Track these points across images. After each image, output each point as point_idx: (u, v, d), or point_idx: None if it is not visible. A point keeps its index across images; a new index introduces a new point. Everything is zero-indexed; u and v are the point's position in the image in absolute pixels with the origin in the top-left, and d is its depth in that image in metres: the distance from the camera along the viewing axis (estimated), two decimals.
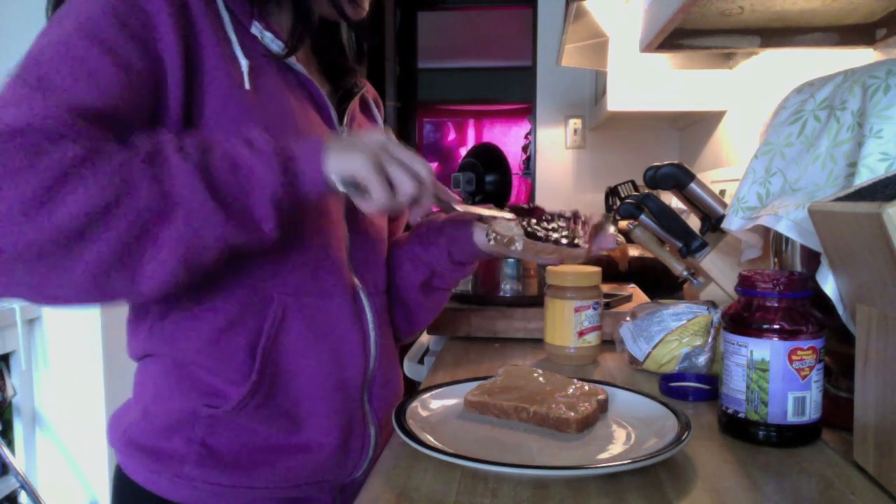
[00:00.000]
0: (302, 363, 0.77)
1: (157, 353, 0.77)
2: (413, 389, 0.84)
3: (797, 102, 0.83)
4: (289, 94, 0.78)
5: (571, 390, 0.78)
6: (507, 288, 1.23)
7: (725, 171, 1.67)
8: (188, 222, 0.60)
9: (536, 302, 1.17)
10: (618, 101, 1.94)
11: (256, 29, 0.76)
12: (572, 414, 0.71)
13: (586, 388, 0.79)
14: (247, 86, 0.72)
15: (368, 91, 0.98)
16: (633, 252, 1.59)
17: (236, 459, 0.75)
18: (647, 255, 1.51)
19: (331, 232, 0.80)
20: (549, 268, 1.05)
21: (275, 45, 0.77)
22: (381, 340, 0.85)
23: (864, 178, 0.68)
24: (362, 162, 0.65)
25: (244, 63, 0.73)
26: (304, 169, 0.65)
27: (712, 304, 1.00)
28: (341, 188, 0.66)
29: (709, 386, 0.87)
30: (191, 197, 0.60)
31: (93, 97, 0.60)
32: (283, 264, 0.76)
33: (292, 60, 0.79)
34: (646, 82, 1.90)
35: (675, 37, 1.07)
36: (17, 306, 2.03)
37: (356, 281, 0.84)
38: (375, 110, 0.98)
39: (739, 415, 0.72)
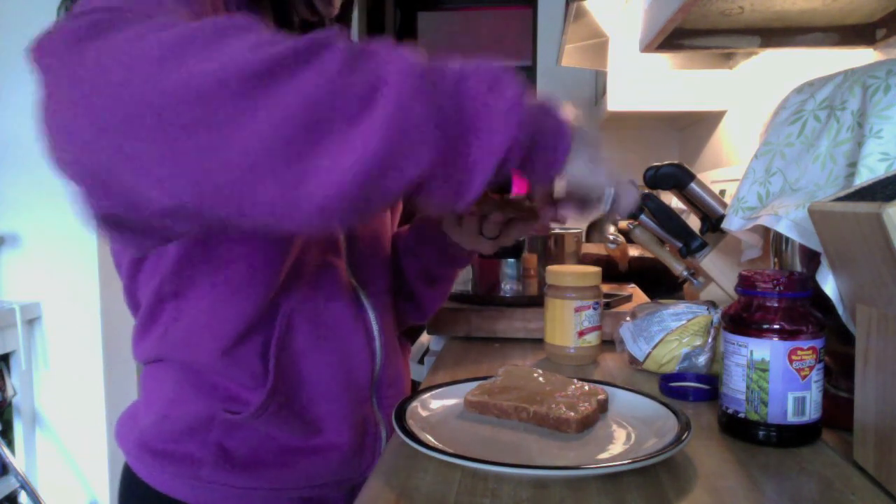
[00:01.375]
0: (312, 367, 0.78)
1: (171, 358, 0.77)
2: (413, 389, 0.84)
3: (797, 102, 0.83)
4: None
5: (571, 390, 0.78)
6: (507, 288, 1.23)
7: (725, 171, 1.67)
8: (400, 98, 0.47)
9: (536, 302, 1.17)
10: (618, 101, 1.94)
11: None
12: (572, 414, 0.71)
13: (586, 388, 0.79)
14: None
15: None
16: (633, 252, 1.59)
17: (253, 461, 0.76)
18: (647, 255, 1.51)
19: (327, 236, 0.81)
20: (549, 268, 1.05)
21: None
22: (385, 340, 0.85)
23: (864, 178, 0.68)
24: (603, 180, 0.60)
25: None
26: (542, 154, 0.56)
27: (712, 304, 1.00)
28: (560, 192, 0.58)
29: (709, 386, 0.87)
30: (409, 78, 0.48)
31: None
32: (285, 271, 0.76)
33: None
34: (646, 82, 1.90)
35: (675, 37, 1.07)
36: (16, 306, 2.03)
37: (355, 283, 0.84)
38: None
39: (739, 415, 0.72)
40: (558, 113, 0.58)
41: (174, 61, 0.41)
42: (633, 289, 1.46)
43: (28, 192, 2.15)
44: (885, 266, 0.57)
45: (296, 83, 0.43)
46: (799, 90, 0.84)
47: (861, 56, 1.08)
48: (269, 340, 0.75)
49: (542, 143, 0.56)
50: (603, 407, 0.77)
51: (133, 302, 0.79)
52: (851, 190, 0.65)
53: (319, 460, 0.79)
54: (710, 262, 1.11)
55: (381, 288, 0.89)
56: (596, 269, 1.04)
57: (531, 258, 1.21)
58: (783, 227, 0.76)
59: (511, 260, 1.21)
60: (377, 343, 0.84)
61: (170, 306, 0.75)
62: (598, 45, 2.05)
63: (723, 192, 1.49)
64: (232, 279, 0.73)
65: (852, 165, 0.73)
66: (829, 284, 0.69)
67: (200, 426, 0.75)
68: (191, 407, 0.76)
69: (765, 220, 0.79)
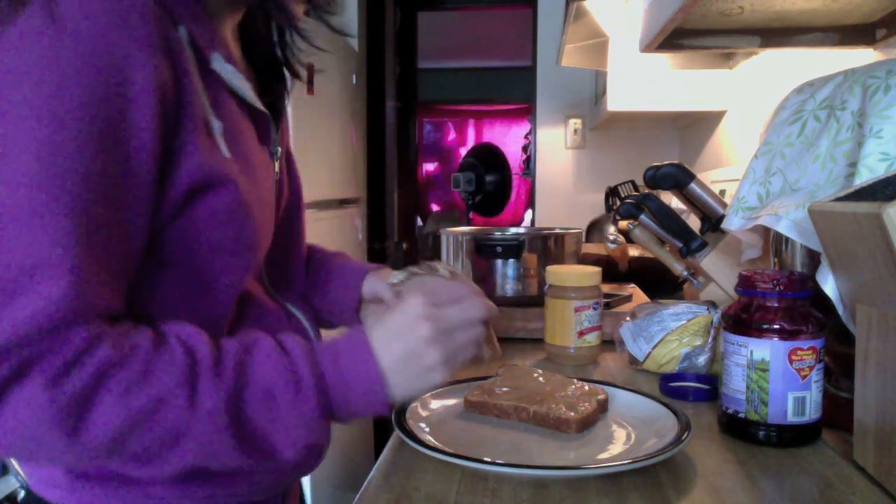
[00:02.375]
0: None
1: None
2: None
3: (797, 102, 0.83)
4: (240, 126, 0.67)
5: (571, 390, 0.78)
6: (507, 288, 1.23)
7: (725, 171, 1.67)
8: (202, 452, 0.55)
9: (536, 302, 1.17)
10: (618, 101, 1.94)
11: (217, 63, 0.64)
12: (572, 414, 0.71)
13: (586, 388, 0.79)
14: (225, 153, 0.62)
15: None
16: (633, 252, 1.59)
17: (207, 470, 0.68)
18: (647, 255, 1.51)
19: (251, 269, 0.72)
20: (549, 268, 1.05)
21: (236, 80, 0.65)
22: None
23: (864, 177, 0.68)
24: (438, 377, 0.61)
25: (217, 127, 0.62)
26: (358, 411, 0.59)
27: (712, 304, 1.00)
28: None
29: (709, 386, 0.87)
30: (212, 434, 0.54)
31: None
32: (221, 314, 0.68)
33: (251, 94, 0.68)
34: (646, 82, 1.90)
35: (675, 37, 1.07)
36: None
37: (279, 298, 0.77)
38: (289, 119, 0.88)
39: (739, 415, 0.72)
40: (357, 373, 0.59)
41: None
42: (633, 289, 1.46)
43: None
44: (885, 266, 0.57)
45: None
46: (799, 90, 0.84)
47: (861, 56, 1.08)
48: None
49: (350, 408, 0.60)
50: (603, 407, 0.77)
51: None
52: (851, 190, 0.65)
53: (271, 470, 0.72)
54: (710, 262, 1.11)
55: (301, 292, 0.84)
56: (596, 270, 1.04)
57: (531, 258, 1.21)
58: (783, 227, 0.76)
59: (511, 260, 1.21)
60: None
61: None
62: (598, 45, 2.05)
63: (723, 192, 1.49)
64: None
65: (852, 165, 0.73)
66: (829, 284, 0.69)
67: None
68: None
69: (765, 220, 0.79)
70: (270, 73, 0.79)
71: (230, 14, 0.70)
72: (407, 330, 0.61)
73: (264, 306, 0.73)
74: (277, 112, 0.77)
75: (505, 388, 0.78)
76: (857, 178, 0.69)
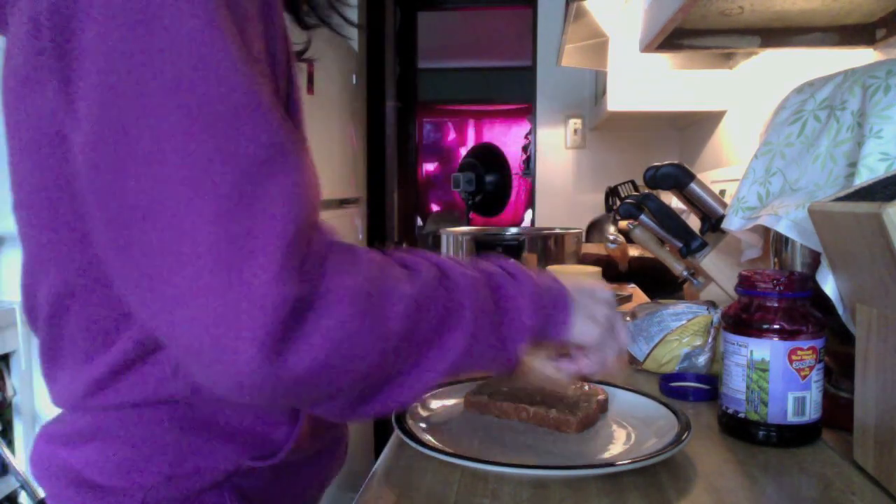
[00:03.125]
0: None
1: (163, 400, 0.59)
2: None
3: (797, 102, 0.83)
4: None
5: (571, 390, 0.78)
6: None
7: (725, 171, 1.67)
8: (470, 340, 0.57)
9: None
10: (618, 101, 1.94)
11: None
12: (572, 414, 0.71)
13: (586, 388, 0.79)
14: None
15: None
16: (633, 252, 1.59)
17: (275, 496, 0.66)
18: (647, 255, 1.51)
19: None
20: (549, 268, 1.05)
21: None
22: None
23: (864, 178, 0.68)
24: (598, 336, 0.66)
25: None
26: (553, 324, 0.64)
27: (712, 304, 1.00)
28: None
29: (709, 386, 0.87)
30: (476, 315, 0.57)
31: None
32: None
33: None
34: (646, 82, 1.90)
35: (675, 37, 1.07)
36: (16, 306, 2.04)
37: None
38: None
39: (739, 415, 0.72)
40: (561, 289, 0.67)
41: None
42: (633, 289, 1.46)
43: None
44: (885, 266, 0.57)
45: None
46: (799, 90, 0.84)
47: (861, 56, 1.08)
48: None
49: (553, 315, 0.65)
50: (603, 407, 0.77)
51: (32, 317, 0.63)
52: (851, 190, 0.65)
53: (334, 461, 0.73)
54: (710, 262, 1.11)
55: None
56: (596, 269, 1.04)
57: (531, 258, 1.21)
58: (783, 227, 0.76)
59: (511, 260, 1.21)
60: None
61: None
62: (598, 45, 2.05)
63: (723, 192, 1.49)
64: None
65: (852, 165, 0.73)
66: (829, 284, 0.69)
67: (222, 480, 0.60)
68: (208, 461, 0.60)
69: (765, 220, 0.79)
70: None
71: None
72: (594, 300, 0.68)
73: None
74: None
75: (505, 389, 0.78)
76: (857, 178, 0.69)
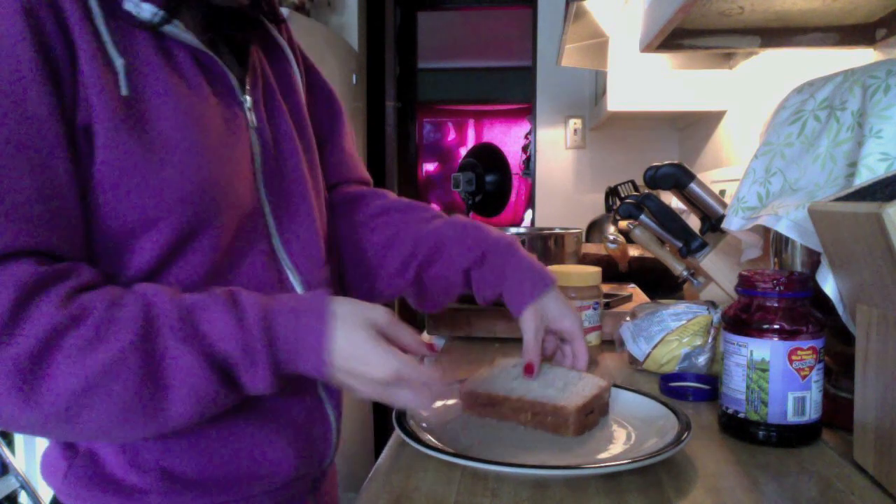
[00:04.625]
0: None
1: None
2: None
3: (797, 102, 0.83)
4: (176, 78, 0.65)
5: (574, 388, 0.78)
6: None
7: (726, 171, 1.67)
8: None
9: None
10: (618, 101, 1.94)
11: (132, 3, 0.63)
12: (571, 420, 0.71)
13: (590, 384, 0.79)
14: (124, 91, 0.61)
15: (283, 32, 0.85)
16: (633, 252, 1.59)
17: (204, 476, 0.68)
18: (648, 255, 1.51)
19: (249, 221, 0.71)
20: (550, 268, 1.05)
21: (147, 12, 0.63)
22: None
23: (864, 178, 0.68)
24: (368, 392, 0.62)
25: (119, 63, 0.61)
26: (301, 367, 0.61)
27: (712, 305, 1.00)
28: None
29: (709, 386, 0.87)
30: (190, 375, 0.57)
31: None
32: (208, 279, 0.67)
33: (170, 26, 0.65)
34: (646, 82, 1.90)
35: (674, 37, 1.07)
36: None
37: (288, 265, 0.75)
38: (288, 51, 0.84)
39: (739, 415, 0.72)
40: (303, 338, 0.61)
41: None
42: (633, 289, 1.46)
43: None
44: (886, 266, 0.57)
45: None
46: (799, 90, 0.84)
47: (861, 56, 1.08)
48: None
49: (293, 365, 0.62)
50: (603, 410, 0.77)
51: None
52: (851, 190, 0.65)
53: (278, 456, 0.71)
54: (710, 262, 1.11)
55: (313, 264, 0.78)
56: (596, 269, 1.04)
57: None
58: (783, 227, 0.76)
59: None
60: None
61: None
62: (598, 45, 2.05)
63: (723, 192, 1.49)
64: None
65: (852, 165, 0.73)
66: (829, 284, 0.69)
67: (134, 451, 0.66)
68: None
69: (765, 220, 0.79)
70: (237, 24, 0.76)
71: None
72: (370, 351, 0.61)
73: (256, 267, 0.71)
74: (245, 63, 0.75)
75: (502, 393, 0.77)
76: (857, 178, 0.69)
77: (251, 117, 0.74)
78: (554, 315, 0.81)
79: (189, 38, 0.67)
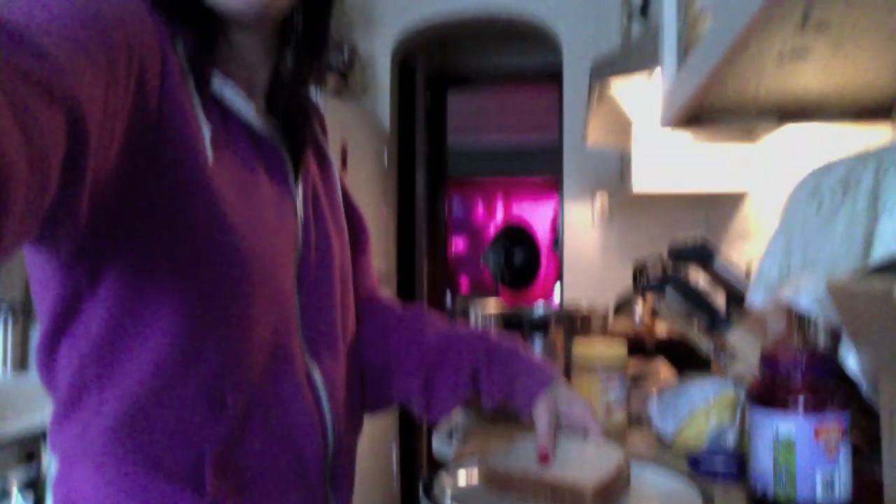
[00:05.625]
0: (261, 468, 0.69)
1: (92, 458, 0.65)
2: (439, 466, 0.85)
3: (814, 181, 0.85)
4: (238, 157, 0.68)
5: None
6: None
7: (752, 246, 1.68)
8: None
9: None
10: (642, 182, 1.96)
11: (216, 83, 0.66)
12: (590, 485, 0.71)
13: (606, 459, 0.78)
14: (209, 157, 0.63)
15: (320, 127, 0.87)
16: (662, 329, 1.59)
17: None
18: (676, 331, 1.51)
19: (282, 309, 0.71)
20: (576, 342, 1.06)
21: (236, 100, 0.68)
22: (337, 423, 0.77)
23: (879, 254, 0.69)
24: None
25: (207, 130, 0.63)
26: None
27: (739, 381, 0.99)
28: None
29: (737, 464, 0.86)
30: None
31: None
32: (234, 357, 0.66)
33: (247, 112, 0.69)
34: (670, 163, 1.92)
35: (694, 115, 1.10)
36: None
37: (309, 360, 0.75)
38: (323, 140, 0.87)
39: (769, 495, 0.71)
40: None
41: None
42: (661, 365, 1.45)
43: None
44: None
45: None
46: (816, 170, 0.86)
47: (880, 133, 1.10)
48: (216, 441, 0.65)
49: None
50: (625, 483, 0.76)
51: (51, 382, 0.68)
52: (868, 267, 0.66)
53: None
54: (737, 338, 1.11)
55: (334, 361, 0.78)
56: (622, 345, 1.04)
57: (558, 334, 1.22)
58: (804, 303, 0.76)
59: (538, 337, 1.22)
60: (329, 428, 0.75)
61: (92, 396, 0.64)
62: (622, 124, 2.10)
63: (749, 268, 1.49)
64: (167, 362, 0.63)
65: (869, 242, 0.74)
66: (851, 360, 0.69)
67: None
68: None
69: (785, 296, 0.80)
70: (295, 117, 0.79)
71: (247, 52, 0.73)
72: None
73: (296, 366, 0.71)
74: (298, 152, 0.77)
75: (520, 473, 0.77)
76: (874, 254, 0.70)
77: (300, 209, 0.75)
78: (564, 404, 0.82)
79: (259, 125, 0.70)
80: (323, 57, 0.80)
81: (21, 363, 2.19)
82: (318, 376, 0.75)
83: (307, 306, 0.75)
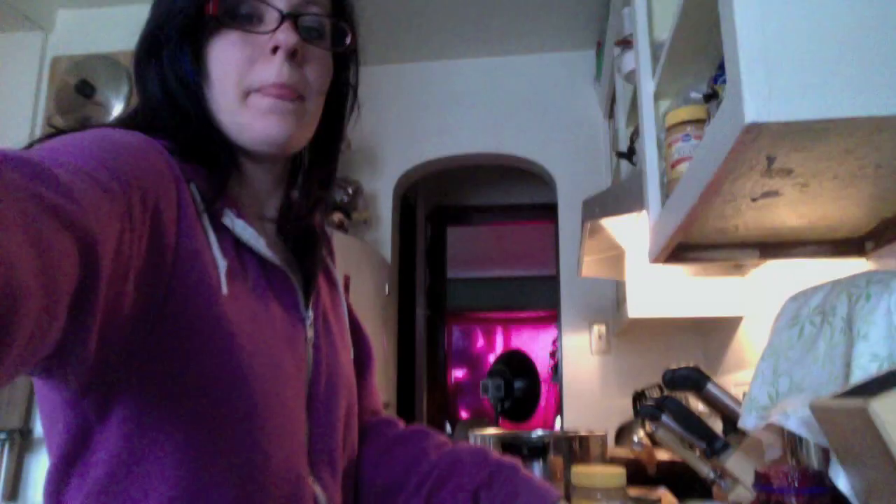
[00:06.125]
0: None
1: None
2: None
3: (793, 309, 0.90)
4: (256, 286, 0.71)
5: None
6: None
7: (748, 372, 1.71)
8: None
9: None
10: (637, 308, 2.02)
11: (229, 218, 0.70)
12: None
13: None
14: (224, 290, 0.65)
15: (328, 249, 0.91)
16: (662, 456, 1.59)
17: None
18: (677, 458, 1.51)
19: (294, 435, 0.72)
20: (574, 468, 1.07)
21: (247, 233, 0.71)
22: None
23: (857, 377, 0.74)
24: None
25: (222, 265, 0.66)
26: None
27: None
28: None
29: None
30: None
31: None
32: (248, 490, 0.66)
33: (257, 243, 0.72)
34: (663, 290, 2.00)
35: (679, 250, 1.18)
36: None
37: (313, 481, 0.75)
38: (330, 263, 0.90)
39: None
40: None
41: None
42: (663, 493, 1.45)
43: None
44: (885, 460, 0.61)
45: None
46: (794, 298, 0.92)
47: (856, 265, 1.17)
48: None
49: None
50: None
51: None
52: (848, 388, 0.71)
53: None
54: (735, 462, 1.13)
55: (333, 480, 0.79)
56: (621, 470, 1.06)
57: (557, 460, 1.23)
58: (793, 425, 0.80)
59: (537, 463, 1.24)
60: None
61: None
62: (616, 256, 2.19)
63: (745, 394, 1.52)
64: (176, 500, 0.62)
65: (848, 366, 0.79)
66: (841, 480, 0.72)
67: None
68: None
69: (775, 419, 0.83)
70: (305, 242, 0.82)
71: (258, 183, 0.78)
72: None
73: (302, 483, 0.72)
74: (310, 278, 0.80)
75: None
76: (852, 377, 0.74)
77: (310, 332, 0.78)
78: None
79: (271, 255, 0.73)
80: (329, 190, 0.86)
81: (13, 493, 2.15)
82: (321, 497, 0.75)
83: (315, 427, 0.76)
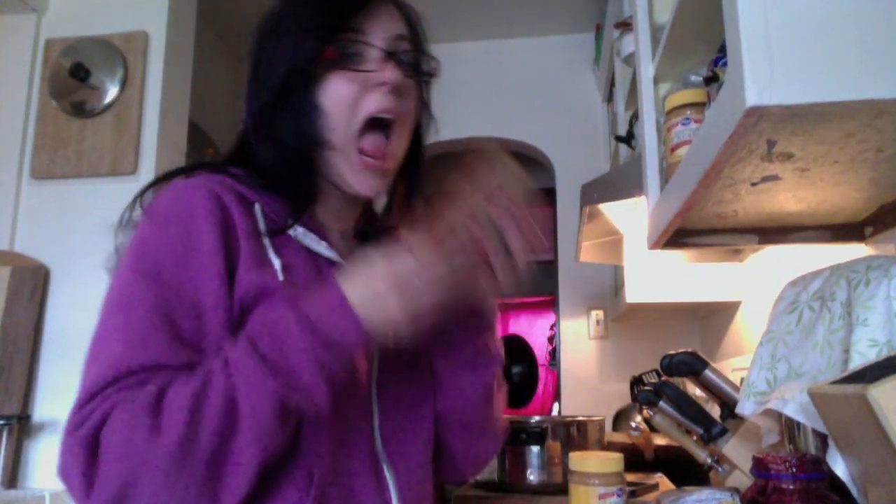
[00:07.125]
0: None
1: None
2: None
3: (792, 294, 0.90)
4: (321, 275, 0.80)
5: None
6: (533, 476, 1.24)
7: (746, 358, 1.71)
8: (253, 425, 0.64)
9: (562, 490, 1.17)
10: (635, 293, 2.02)
11: (293, 229, 0.80)
12: None
13: None
14: (280, 277, 0.74)
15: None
16: (659, 441, 1.60)
17: None
18: (674, 443, 1.52)
19: (357, 401, 0.80)
20: (572, 454, 1.07)
21: (308, 238, 0.80)
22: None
23: (856, 363, 0.73)
24: (397, 308, 0.69)
25: (277, 262, 0.75)
26: (337, 336, 0.68)
27: (736, 491, 1.00)
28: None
29: None
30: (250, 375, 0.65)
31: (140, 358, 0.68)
32: (316, 439, 0.74)
33: (326, 248, 0.81)
34: (661, 275, 2.00)
35: (678, 236, 1.17)
36: (47, 494, 2.04)
37: (382, 455, 0.81)
38: None
39: None
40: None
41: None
42: (660, 478, 1.45)
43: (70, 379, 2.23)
44: (883, 446, 0.60)
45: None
46: (793, 283, 0.91)
47: (855, 250, 1.17)
48: None
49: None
50: None
51: None
52: (847, 374, 0.70)
53: None
54: (732, 447, 1.13)
55: (413, 463, 0.85)
56: (618, 455, 1.06)
57: (555, 446, 1.24)
58: (790, 411, 0.80)
59: (535, 448, 1.24)
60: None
61: None
62: (614, 241, 2.18)
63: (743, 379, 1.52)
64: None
65: (847, 351, 0.78)
66: (838, 465, 0.72)
67: None
68: None
69: (773, 404, 0.83)
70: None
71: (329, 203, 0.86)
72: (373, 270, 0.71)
73: (366, 451, 0.79)
74: None
75: None
76: (851, 363, 0.74)
77: None
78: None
79: (333, 254, 0.82)
80: (413, 200, 0.93)
81: (12, 480, 2.16)
82: (389, 475, 0.81)
83: (385, 404, 0.83)
